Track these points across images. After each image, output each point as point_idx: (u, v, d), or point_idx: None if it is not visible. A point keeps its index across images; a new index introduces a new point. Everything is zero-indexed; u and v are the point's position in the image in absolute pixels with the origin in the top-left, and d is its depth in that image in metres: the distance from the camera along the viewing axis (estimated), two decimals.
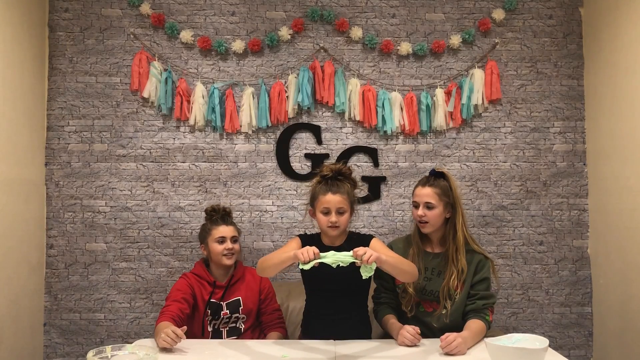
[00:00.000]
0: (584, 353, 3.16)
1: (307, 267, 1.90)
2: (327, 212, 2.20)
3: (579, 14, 3.22)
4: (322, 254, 1.92)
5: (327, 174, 2.23)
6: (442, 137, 3.18)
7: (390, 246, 2.32)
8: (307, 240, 2.30)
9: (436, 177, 2.29)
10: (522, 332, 2.08)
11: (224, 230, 2.52)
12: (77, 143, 3.12)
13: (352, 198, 2.25)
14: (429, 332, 2.21)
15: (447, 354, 1.97)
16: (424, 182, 2.28)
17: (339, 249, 2.22)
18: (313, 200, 2.26)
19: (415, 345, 2.07)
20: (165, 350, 2.03)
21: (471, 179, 3.18)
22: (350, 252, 1.90)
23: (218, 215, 2.57)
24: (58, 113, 3.12)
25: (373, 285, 2.36)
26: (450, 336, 1.98)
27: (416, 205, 2.27)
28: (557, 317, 3.17)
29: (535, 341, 1.83)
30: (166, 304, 2.35)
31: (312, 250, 1.90)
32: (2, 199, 2.67)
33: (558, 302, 3.17)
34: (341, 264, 1.91)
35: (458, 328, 2.14)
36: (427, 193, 2.24)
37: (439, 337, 2.04)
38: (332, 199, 2.19)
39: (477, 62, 3.19)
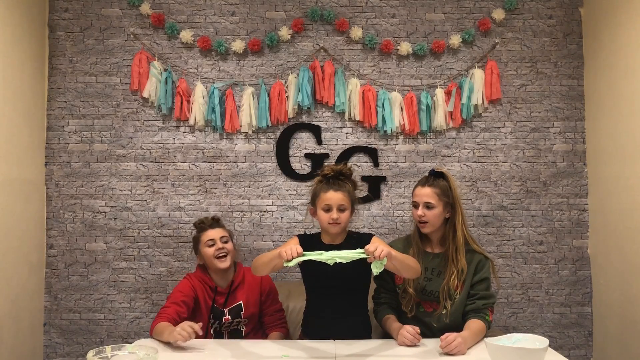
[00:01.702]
0: (584, 353, 3.16)
1: (291, 264, 1.91)
2: (328, 209, 2.21)
3: (579, 14, 3.22)
4: (313, 252, 1.93)
5: (329, 174, 2.26)
6: (442, 137, 3.18)
7: (390, 246, 2.32)
8: (306, 239, 2.31)
9: (436, 177, 2.29)
10: (522, 332, 2.07)
11: (212, 233, 2.50)
12: (77, 143, 3.12)
13: (353, 197, 2.28)
14: (429, 332, 2.21)
15: (447, 353, 1.97)
16: (424, 182, 2.29)
17: (339, 247, 2.23)
18: (314, 199, 2.28)
19: (415, 345, 2.07)
20: (168, 345, 2.05)
21: (471, 179, 3.18)
22: (358, 250, 1.92)
23: (206, 224, 2.57)
24: (58, 113, 3.12)
25: (373, 286, 2.37)
26: (450, 336, 1.98)
27: (416, 205, 2.27)
28: (557, 317, 3.17)
29: (535, 341, 1.83)
30: (165, 304, 2.36)
31: (295, 248, 1.93)
32: (2, 199, 2.67)
33: (558, 302, 3.17)
34: (338, 260, 1.91)
35: (458, 328, 2.14)
36: (426, 193, 2.24)
37: (439, 337, 2.04)
38: (333, 196, 2.21)
39: (477, 62, 3.19)
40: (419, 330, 2.09)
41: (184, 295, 2.39)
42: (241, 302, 2.49)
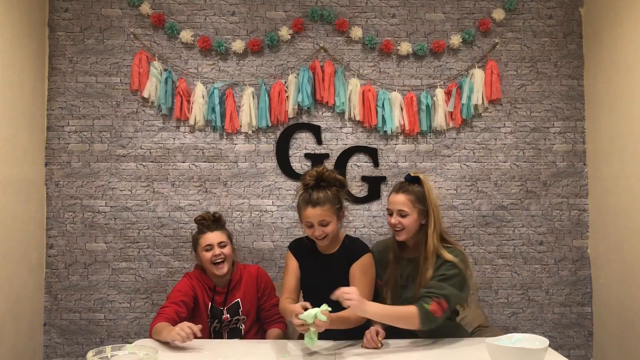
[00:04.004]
0: (584, 353, 3.16)
1: (312, 343, 1.98)
2: (310, 226, 2.18)
3: (579, 14, 3.22)
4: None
5: (309, 183, 2.18)
6: (442, 137, 3.18)
7: (371, 249, 2.31)
8: (299, 248, 2.31)
9: (411, 182, 2.21)
10: (522, 332, 2.07)
11: (210, 238, 2.47)
12: (77, 143, 3.12)
13: (337, 205, 2.19)
14: (412, 334, 2.18)
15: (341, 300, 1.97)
16: (398, 188, 2.21)
17: (333, 255, 2.23)
18: (299, 212, 2.24)
19: (377, 347, 2.05)
20: (167, 345, 2.05)
21: (471, 179, 3.18)
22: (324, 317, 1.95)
23: (207, 222, 2.53)
24: (58, 113, 3.12)
25: None
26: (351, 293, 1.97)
27: (390, 213, 2.20)
28: (557, 317, 3.17)
29: (535, 341, 1.83)
30: (164, 304, 2.36)
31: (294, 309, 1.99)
32: (2, 199, 2.67)
33: (558, 302, 3.17)
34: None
35: (437, 332, 2.11)
36: (399, 200, 2.17)
37: (421, 338, 2.10)
38: (312, 213, 2.14)
39: (477, 62, 3.19)
40: (381, 333, 2.08)
41: (184, 294, 2.38)
42: (239, 299, 2.49)
